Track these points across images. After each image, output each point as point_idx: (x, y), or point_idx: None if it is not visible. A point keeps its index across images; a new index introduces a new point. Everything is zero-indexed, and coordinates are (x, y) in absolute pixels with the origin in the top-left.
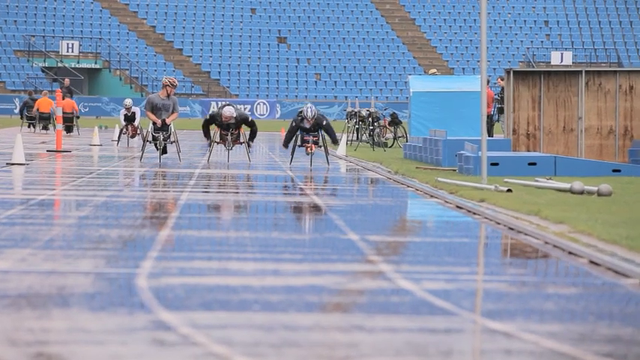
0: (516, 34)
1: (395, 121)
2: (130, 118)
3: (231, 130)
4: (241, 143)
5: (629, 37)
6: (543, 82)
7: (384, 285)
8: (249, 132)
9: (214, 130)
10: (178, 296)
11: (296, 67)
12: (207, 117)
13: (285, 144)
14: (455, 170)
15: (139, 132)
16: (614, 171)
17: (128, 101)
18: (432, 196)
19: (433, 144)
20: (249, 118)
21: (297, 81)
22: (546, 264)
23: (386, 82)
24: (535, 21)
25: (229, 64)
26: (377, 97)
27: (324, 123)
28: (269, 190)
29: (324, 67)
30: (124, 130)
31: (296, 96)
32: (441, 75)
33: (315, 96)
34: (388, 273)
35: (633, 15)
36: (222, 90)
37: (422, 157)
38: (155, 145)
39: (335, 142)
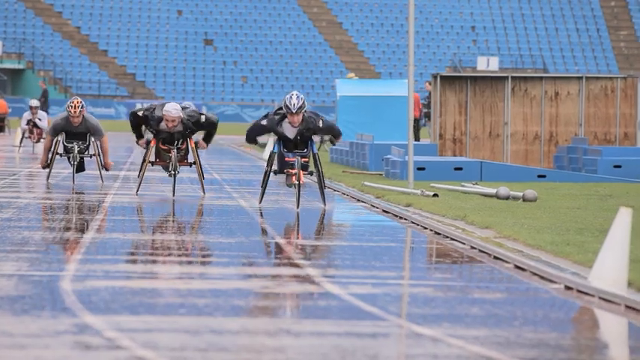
0: (443, 39)
1: None
2: (35, 123)
3: (176, 143)
4: (191, 164)
5: (555, 44)
6: (470, 87)
7: (311, 289)
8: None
9: (150, 143)
10: (103, 299)
11: (222, 69)
12: (139, 113)
13: (249, 138)
14: (381, 174)
15: (44, 136)
16: (540, 176)
17: (34, 102)
18: (358, 200)
19: (360, 148)
20: (203, 118)
21: (223, 83)
22: (472, 269)
23: (313, 86)
24: (462, 26)
25: (155, 66)
26: None
27: (321, 125)
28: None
29: (251, 69)
30: (27, 134)
31: (222, 98)
32: (360, 79)
33: (242, 99)
34: (315, 277)
35: (559, 21)
36: (147, 92)
37: (348, 161)
38: (68, 158)
39: (338, 135)
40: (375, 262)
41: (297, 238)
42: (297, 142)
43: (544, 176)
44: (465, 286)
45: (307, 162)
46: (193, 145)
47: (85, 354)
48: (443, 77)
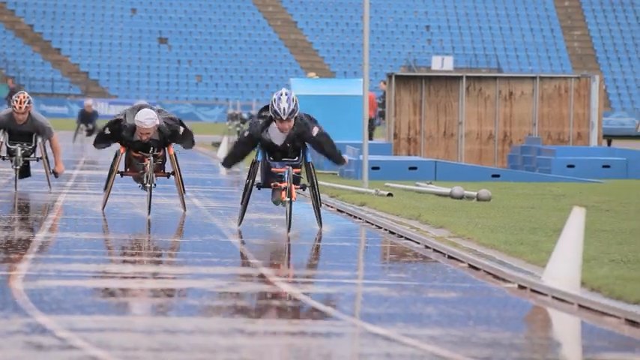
0: (398, 39)
1: None
2: None
3: (151, 150)
4: (168, 175)
5: (509, 43)
6: (424, 86)
7: (265, 288)
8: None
9: (119, 151)
10: (55, 299)
11: (177, 68)
12: (106, 131)
13: (227, 162)
14: (336, 174)
15: None
16: (494, 176)
17: None
18: None
19: None
20: (181, 129)
21: (177, 82)
22: (426, 268)
23: (267, 85)
24: (417, 25)
25: (109, 65)
26: (259, 100)
27: (315, 134)
28: None
29: (206, 68)
30: None
31: (177, 97)
32: (321, 78)
33: (196, 97)
34: (269, 276)
35: (513, 21)
36: (101, 90)
37: None
38: (11, 161)
39: (341, 161)
40: (329, 262)
41: (252, 238)
42: (287, 149)
43: (498, 176)
44: (420, 286)
45: (299, 173)
46: (172, 152)
47: (38, 354)
48: (397, 77)
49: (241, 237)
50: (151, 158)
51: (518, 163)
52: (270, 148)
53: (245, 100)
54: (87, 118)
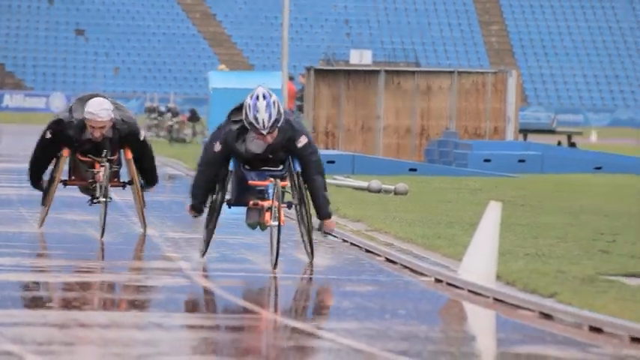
0: (317, 32)
1: (194, 117)
2: None
3: (105, 153)
4: (124, 184)
5: (428, 38)
6: (343, 80)
7: (182, 282)
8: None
9: (62, 154)
10: None
11: (94, 60)
12: (47, 134)
13: (197, 198)
14: None
15: None
16: (411, 170)
17: None
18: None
19: None
20: (141, 133)
21: (94, 74)
22: (343, 262)
23: (186, 78)
24: (336, 19)
25: (25, 57)
26: (176, 93)
27: (301, 145)
28: None
29: (123, 60)
30: None
31: (94, 90)
32: (230, 71)
33: (114, 90)
34: (187, 270)
35: (432, 15)
36: (17, 82)
37: None
38: None
39: (327, 215)
40: (246, 256)
41: (169, 231)
42: (268, 157)
43: (415, 170)
44: (337, 280)
45: (284, 187)
46: (130, 157)
47: None
48: (317, 70)
49: (158, 230)
50: (106, 164)
51: (435, 157)
52: (245, 157)
53: (163, 93)
54: None
